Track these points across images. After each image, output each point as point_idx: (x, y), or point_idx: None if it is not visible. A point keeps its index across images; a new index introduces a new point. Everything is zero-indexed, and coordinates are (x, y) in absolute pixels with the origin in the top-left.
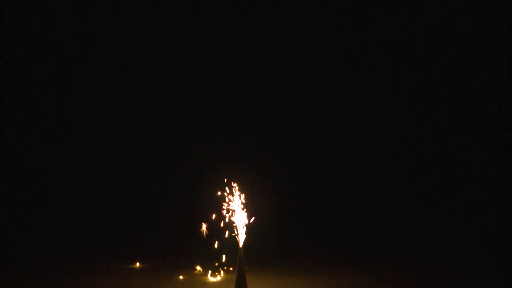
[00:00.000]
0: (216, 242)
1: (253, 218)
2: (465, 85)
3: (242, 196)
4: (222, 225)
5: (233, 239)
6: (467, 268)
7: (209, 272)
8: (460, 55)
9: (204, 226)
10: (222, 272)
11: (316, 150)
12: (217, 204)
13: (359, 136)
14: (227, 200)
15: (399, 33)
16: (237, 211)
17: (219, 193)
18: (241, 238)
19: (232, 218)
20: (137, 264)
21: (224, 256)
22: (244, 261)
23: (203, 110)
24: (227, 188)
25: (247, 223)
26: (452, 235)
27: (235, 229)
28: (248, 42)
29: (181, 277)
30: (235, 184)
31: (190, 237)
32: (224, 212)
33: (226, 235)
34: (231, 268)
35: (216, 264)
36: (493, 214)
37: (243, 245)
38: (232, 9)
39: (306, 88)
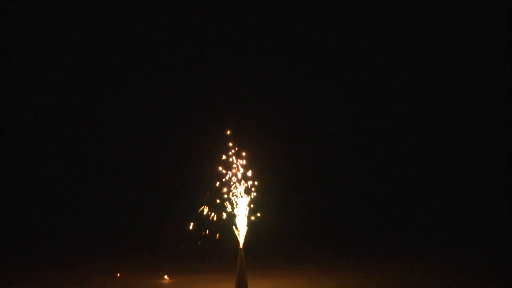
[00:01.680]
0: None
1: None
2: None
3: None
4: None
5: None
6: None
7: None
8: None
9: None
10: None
11: (316, 154)
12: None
13: (364, 139)
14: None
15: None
16: (240, 212)
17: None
18: (242, 238)
19: (236, 219)
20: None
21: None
22: (244, 260)
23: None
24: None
25: (248, 223)
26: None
27: (236, 231)
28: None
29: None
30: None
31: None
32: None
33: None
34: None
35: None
36: (496, 213)
37: (243, 246)
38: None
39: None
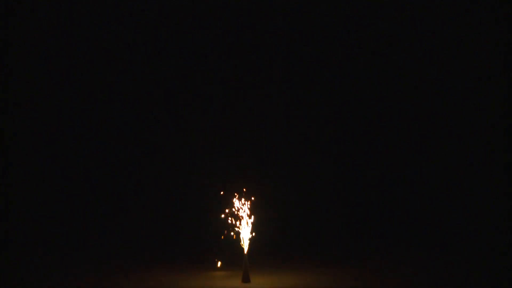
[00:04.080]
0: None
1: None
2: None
3: (248, 203)
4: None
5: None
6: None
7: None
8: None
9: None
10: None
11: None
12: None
13: (357, 140)
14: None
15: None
16: (242, 221)
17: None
18: (246, 246)
19: (239, 230)
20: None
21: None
22: (248, 264)
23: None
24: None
25: (253, 234)
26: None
27: (241, 239)
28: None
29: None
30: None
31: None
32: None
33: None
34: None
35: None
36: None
37: (247, 252)
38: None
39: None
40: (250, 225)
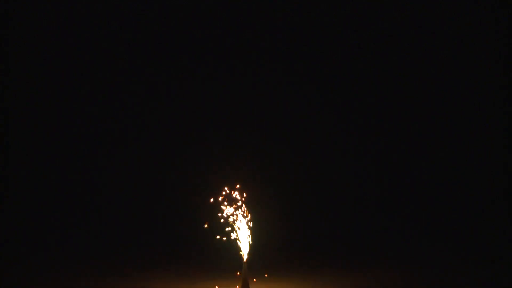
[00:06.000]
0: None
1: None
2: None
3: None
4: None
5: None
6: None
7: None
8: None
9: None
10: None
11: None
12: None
13: (352, 140)
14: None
15: None
16: (241, 227)
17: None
18: (245, 254)
19: (238, 233)
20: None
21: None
22: (247, 273)
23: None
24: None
25: (250, 241)
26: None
27: (239, 244)
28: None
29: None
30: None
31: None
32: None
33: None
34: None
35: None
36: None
37: (247, 259)
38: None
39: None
40: (248, 229)
